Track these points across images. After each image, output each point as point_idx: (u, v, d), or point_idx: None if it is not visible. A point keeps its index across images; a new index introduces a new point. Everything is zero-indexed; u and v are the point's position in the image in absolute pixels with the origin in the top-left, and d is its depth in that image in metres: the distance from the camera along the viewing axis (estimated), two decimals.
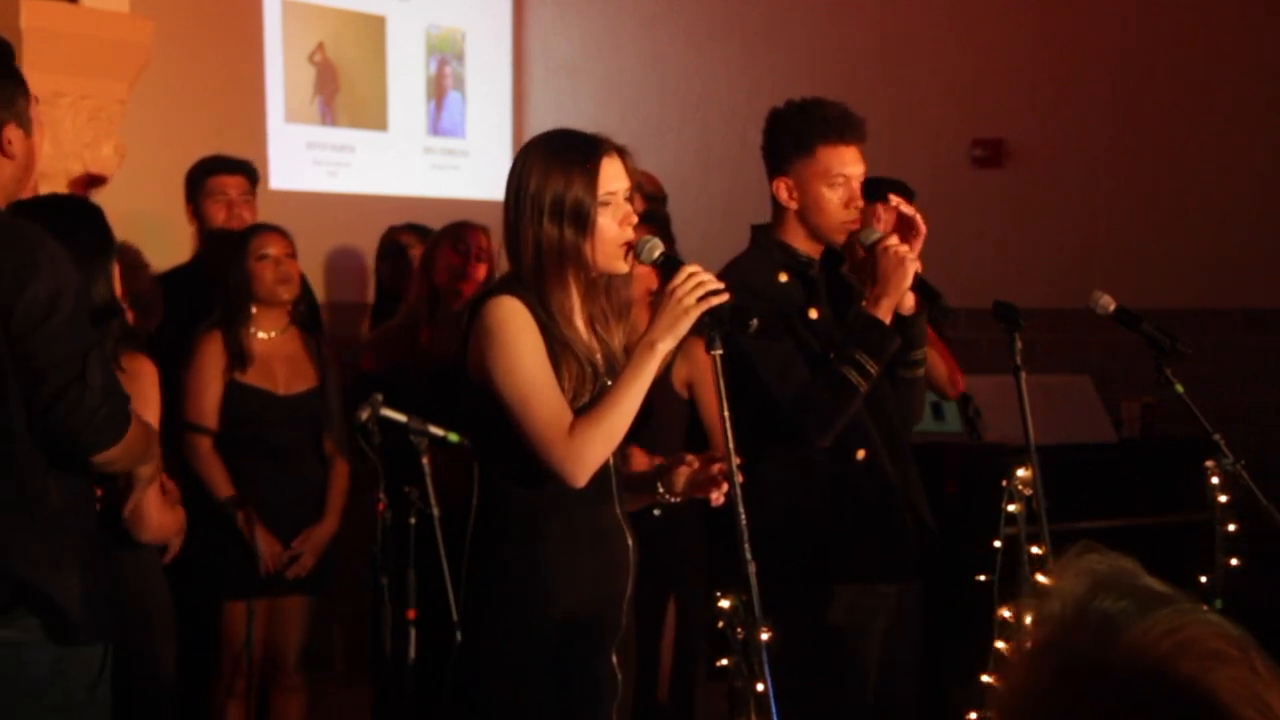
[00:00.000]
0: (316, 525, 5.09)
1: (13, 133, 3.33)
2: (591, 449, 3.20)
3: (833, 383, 3.87)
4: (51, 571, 3.23)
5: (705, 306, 3.15)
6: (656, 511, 3.39)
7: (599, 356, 3.34)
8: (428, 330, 5.32)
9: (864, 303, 3.92)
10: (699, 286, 3.16)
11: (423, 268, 5.47)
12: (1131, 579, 1.28)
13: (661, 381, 4.83)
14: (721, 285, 3.18)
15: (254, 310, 5.09)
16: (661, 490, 3.37)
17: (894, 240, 3.91)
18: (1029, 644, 1.28)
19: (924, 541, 4.11)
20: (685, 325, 3.16)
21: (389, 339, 5.46)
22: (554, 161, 3.27)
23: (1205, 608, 1.27)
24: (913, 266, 3.88)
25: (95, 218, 3.95)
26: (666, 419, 4.82)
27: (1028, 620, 1.30)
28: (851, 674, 4.01)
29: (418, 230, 6.30)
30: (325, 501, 5.14)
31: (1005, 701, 1.28)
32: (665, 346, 3.18)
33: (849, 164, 3.96)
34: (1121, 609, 1.25)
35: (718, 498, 3.26)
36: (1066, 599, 1.27)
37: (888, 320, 3.89)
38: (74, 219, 3.90)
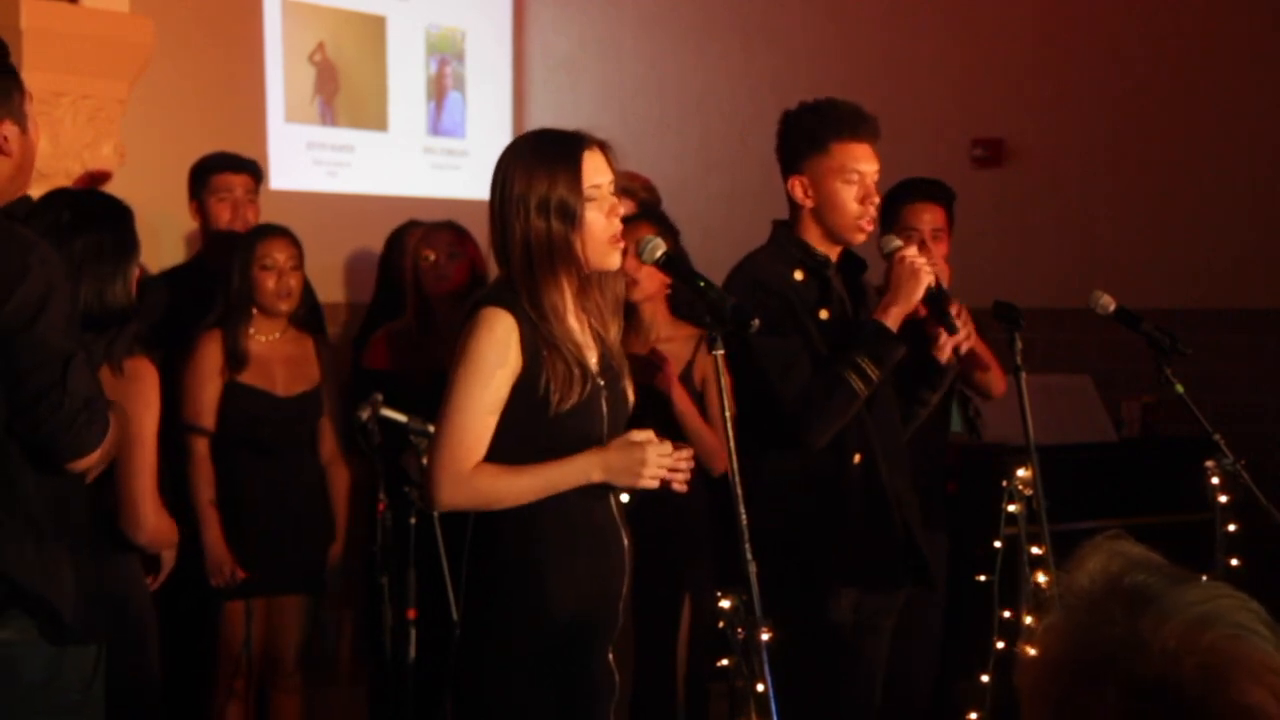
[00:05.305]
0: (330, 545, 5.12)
1: (9, 129, 3.31)
2: (464, 498, 3.24)
3: (832, 385, 3.87)
4: (44, 573, 3.22)
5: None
6: (625, 497, 3.38)
7: (593, 355, 3.34)
8: (426, 333, 5.31)
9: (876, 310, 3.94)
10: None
11: (411, 275, 5.45)
12: (1160, 562, 1.34)
13: (683, 379, 4.84)
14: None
15: (254, 313, 5.09)
16: None
17: (911, 251, 3.95)
18: (1054, 619, 1.31)
19: (912, 552, 4.08)
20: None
21: (394, 338, 5.43)
22: (537, 163, 3.27)
23: (1231, 588, 1.30)
24: (926, 279, 3.90)
25: (124, 218, 3.89)
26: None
27: (1054, 593, 1.33)
28: (859, 674, 4.00)
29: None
30: (326, 507, 5.14)
31: (1031, 675, 1.31)
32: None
33: (863, 160, 3.97)
34: (1153, 583, 1.30)
35: (679, 486, 3.28)
36: (1097, 575, 1.32)
37: (895, 328, 3.90)
38: (103, 216, 3.85)
